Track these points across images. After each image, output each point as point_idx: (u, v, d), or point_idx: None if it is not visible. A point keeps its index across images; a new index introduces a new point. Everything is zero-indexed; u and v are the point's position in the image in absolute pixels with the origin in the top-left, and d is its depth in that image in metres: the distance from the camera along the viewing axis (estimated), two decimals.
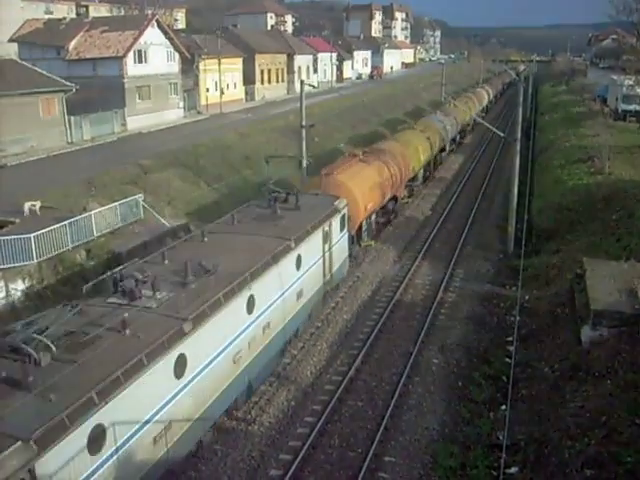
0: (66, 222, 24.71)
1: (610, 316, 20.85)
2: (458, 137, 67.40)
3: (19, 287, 22.47)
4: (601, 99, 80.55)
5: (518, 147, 35.13)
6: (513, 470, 16.70)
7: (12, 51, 61.14)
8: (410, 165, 41.06)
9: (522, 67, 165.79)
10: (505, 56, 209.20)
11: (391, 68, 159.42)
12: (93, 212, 26.52)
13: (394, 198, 38.76)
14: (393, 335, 25.29)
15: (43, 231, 23.49)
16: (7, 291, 22.03)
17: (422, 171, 47.95)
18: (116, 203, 28.26)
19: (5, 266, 22.12)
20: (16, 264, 22.48)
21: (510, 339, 24.25)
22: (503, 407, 19.76)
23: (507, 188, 39.25)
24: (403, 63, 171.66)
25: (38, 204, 27.69)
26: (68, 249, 24.74)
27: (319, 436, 18.74)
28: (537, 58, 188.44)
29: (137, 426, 13.83)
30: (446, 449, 18.18)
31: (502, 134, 38.75)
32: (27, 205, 27.56)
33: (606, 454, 15.17)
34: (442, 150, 56.89)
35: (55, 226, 24.18)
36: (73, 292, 23.66)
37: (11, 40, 62.77)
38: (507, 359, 22.73)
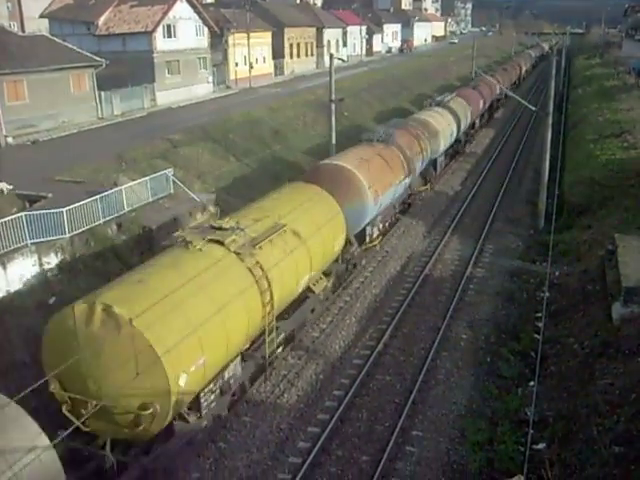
0: (97, 197, 24.90)
1: None
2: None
3: (52, 261, 22.77)
4: (636, 72, 78.87)
5: (550, 121, 34.62)
6: (540, 446, 16.71)
7: (43, 27, 61.59)
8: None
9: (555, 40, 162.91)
10: (538, 29, 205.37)
11: (426, 40, 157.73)
12: (124, 187, 26.67)
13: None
14: (422, 310, 25.30)
15: (75, 206, 23.72)
16: (40, 265, 22.36)
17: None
18: (146, 178, 28.37)
19: (38, 240, 22.42)
20: (49, 238, 22.78)
21: (539, 315, 24.12)
22: (531, 383, 19.73)
23: (538, 163, 38.77)
24: (434, 36, 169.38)
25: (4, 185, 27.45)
26: (100, 223, 24.96)
27: (347, 410, 18.90)
28: (571, 30, 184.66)
29: None
30: (474, 424, 18.24)
31: (534, 108, 38.18)
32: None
33: (635, 432, 15.11)
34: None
35: (87, 201, 24.38)
36: (105, 266, 23.99)
37: (42, 16, 63.12)
38: (536, 335, 22.63)
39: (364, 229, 27.64)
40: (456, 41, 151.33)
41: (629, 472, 14.01)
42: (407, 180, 32.23)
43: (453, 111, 46.55)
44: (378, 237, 30.09)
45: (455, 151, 49.92)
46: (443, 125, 42.25)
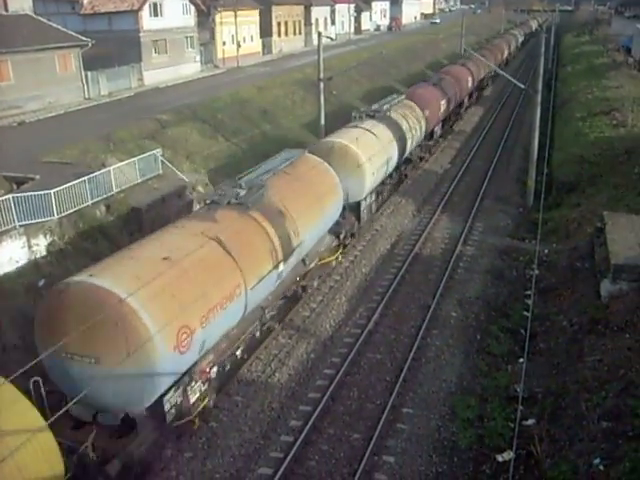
0: (85, 178, 24.77)
1: (630, 270, 20.80)
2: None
3: (41, 243, 22.68)
4: (625, 49, 78.83)
5: (539, 99, 34.57)
6: (530, 422, 16.88)
7: (27, 6, 60.42)
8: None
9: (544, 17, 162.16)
10: (527, 5, 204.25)
11: (416, 18, 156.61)
12: (112, 167, 26.53)
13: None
14: (412, 288, 25.39)
15: (63, 187, 23.59)
16: (29, 247, 22.27)
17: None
18: (135, 158, 28.20)
19: (26, 222, 22.31)
20: (37, 220, 22.67)
21: (529, 293, 24.25)
22: (521, 360, 19.87)
23: (527, 141, 38.79)
24: (422, 14, 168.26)
25: None
26: (88, 205, 24.85)
27: (338, 388, 19.00)
28: (560, 7, 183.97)
29: None
30: (464, 401, 18.39)
31: (523, 86, 38.13)
32: None
33: (623, 407, 15.29)
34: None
35: (75, 182, 24.23)
36: (94, 247, 23.92)
37: None
38: (525, 312, 22.77)
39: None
40: (438, 21, 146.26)
41: (617, 447, 14.19)
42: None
43: (395, 124, 33.78)
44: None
45: (399, 179, 37.57)
46: (373, 150, 29.13)
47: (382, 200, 34.11)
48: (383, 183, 32.80)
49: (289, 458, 15.93)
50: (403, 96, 39.28)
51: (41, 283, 21.09)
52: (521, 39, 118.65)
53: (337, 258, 26.71)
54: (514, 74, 74.05)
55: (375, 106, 34.56)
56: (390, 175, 33.87)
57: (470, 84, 58.18)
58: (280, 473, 15.41)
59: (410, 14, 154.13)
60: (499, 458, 15.99)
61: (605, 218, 24.86)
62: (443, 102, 45.34)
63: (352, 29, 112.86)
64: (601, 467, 13.86)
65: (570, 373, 18.18)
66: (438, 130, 46.73)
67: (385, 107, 34.39)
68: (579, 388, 17.07)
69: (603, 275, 21.59)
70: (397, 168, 35.05)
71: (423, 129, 39.21)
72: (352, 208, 28.18)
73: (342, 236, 26.77)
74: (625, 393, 15.72)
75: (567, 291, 23.50)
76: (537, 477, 14.94)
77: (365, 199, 29.27)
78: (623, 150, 36.51)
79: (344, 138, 28.15)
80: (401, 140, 33.72)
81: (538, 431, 16.21)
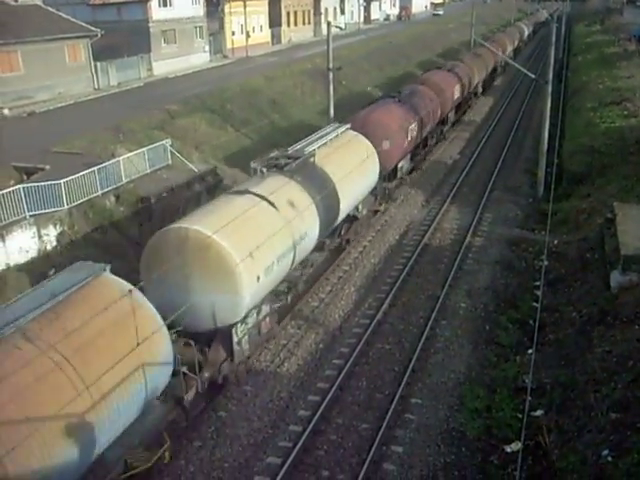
0: (95, 168, 24.86)
1: None
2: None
3: (51, 233, 22.81)
4: (637, 39, 78.11)
5: (549, 89, 34.37)
6: (538, 413, 16.87)
7: None
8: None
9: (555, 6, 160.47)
10: None
11: (426, 7, 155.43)
12: (121, 158, 26.61)
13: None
14: (421, 279, 25.38)
15: (73, 177, 23.69)
16: (40, 237, 22.39)
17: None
18: (144, 149, 28.27)
19: (37, 212, 22.43)
20: (47, 210, 22.78)
21: (538, 283, 24.18)
22: (529, 351, 19.84)
23: (537, 131, 38.60)
24: (432, 3, 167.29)
25: None
26: (98, 195, 24.96)
27: (347, 378, 19.04)
28: None
29: None
30: (472, 391, 18.39)
31: (533, 76, 37.89)
32: None
33: (632, 398, 15.24)
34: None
35: (84, 172, 24.33)
36: (103, 237, 24.02)
37: None
38: (534, 303, 22.70)
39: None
40: (441, 12, 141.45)
41: (626, 438, 14.17)
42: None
43: (319, 177, 22.67)
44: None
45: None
46: (263, 235, 18.23)
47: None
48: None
49: (298, 448, 15.98)
50: (347, 126, 27.63)
51: (51, 273, 21.21)
52: (532, 28, 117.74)
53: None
54: (524, 63, 73.61)
55: (291, 151, 23.15)
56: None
57: (457, 95, 46.40)
58: (289, 462, 15.47)
59: (420, 3, 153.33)
60: (507, 449, 16.00)
61: (615, 209, 24.74)
62: (413, 126, 33.60)
63: (361, 19, 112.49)
64: (610, 458, 13.85)
65: (579, 364, 18.14)
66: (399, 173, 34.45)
67: (311, 148, 23.30)
68: (588, 379, 17.04)
69: (613, 266, 21.50)
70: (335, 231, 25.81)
71: (375, 175, 28.05)
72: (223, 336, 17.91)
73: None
74: (634, 384, 15.67)
75: (576, 282, 23.42)
76: (545, 468, 14.95)
77: (245, 320, 18.22)
78: (634, 140, 36.24)
79: (206, 222, 17.20)
80: (327, 201, 22.24)
81: (546, 422, 16.20)
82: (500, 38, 78.38)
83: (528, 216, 32.26)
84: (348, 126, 27.61)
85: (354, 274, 25.89)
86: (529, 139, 47.45)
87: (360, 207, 27.49)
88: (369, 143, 27.67)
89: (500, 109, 58.95)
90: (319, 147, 23.75)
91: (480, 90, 60.86)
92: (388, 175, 31.87)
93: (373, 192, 29.09)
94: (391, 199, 33.51)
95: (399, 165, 33.41)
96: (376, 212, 31.07)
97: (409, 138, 33.01)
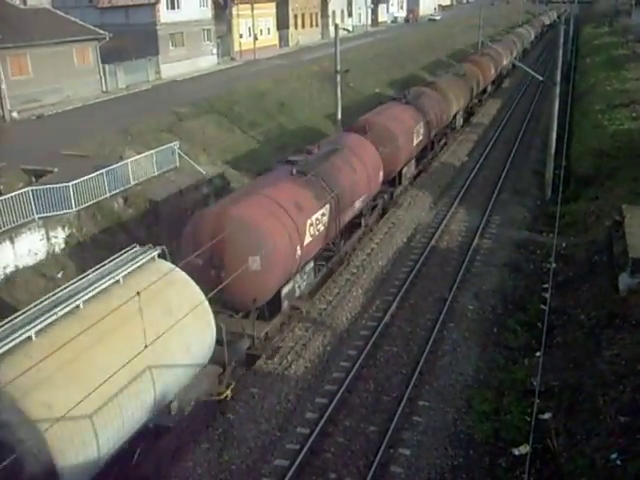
0: (103, 170, 24.95)
1: None
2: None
3: (59, 235, 22.89)
4: None
5: (557, 91, 34.29)
6: (546, 416, 16.82)
7: (45, 0, 60.94)
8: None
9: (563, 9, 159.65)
10: None
11: (435, 10, 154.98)
12: (129, 160, 26.69)
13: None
14: (428, 281, 25.34)
15: (81, 180, 23.78)
16: (48, 239, 22.48)
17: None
18: (152, 151, 28.35)
19: (45, 215, 22.52)
20: (56, 213, 22.87)
21: (546, 286, 24.14)
22: (538, 354, 19.80)
23: (545, 133, 38.51)
24: (440, 5, 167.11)
25: None
26: (106, 197, 25.04)
27: (354, 380, 19.03)
28: None
29: None
30: (480, 394, 18.35)
31: (541, 77, 37.81)
32: None
33: None
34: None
35: (93, 175, 24.43)
36: (112, 239, 24.08)
37: None
38: (542, 306, 22.66)
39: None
40: (438, 18, 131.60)
41: (635, 442, 14.11)
42: None
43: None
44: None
45: None
46: None
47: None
48: None
49: (305, 450, 15.98)
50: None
51: (60, 275, 21.29)
52: (539, 30, 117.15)
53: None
54: (532, 65, 73.44)
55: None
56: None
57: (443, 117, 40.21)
58: (296, 465, 15.48)
59: (427, 6, 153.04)
60: (515, 452, 15.96)
61: (624, 211, 24.66)
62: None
63: (369, 21, 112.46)
64: (618, 462, 13.79)
65: (587, 367, 18.08)
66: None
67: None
68: (596, 382, 16.99)
69: (621, 269, 21.42)
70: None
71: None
72: None
73: None
74: None
75: (585, 285, 23.34)
76: (553, 471, 14.90)
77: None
78: None
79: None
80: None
81: (555, 425, 16.16)
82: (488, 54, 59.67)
83: (536, 218, 32.20)
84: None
85: (362, 276, 25.87)
86: (537, 141, 47.31)
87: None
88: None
89: (508, 111, 58.80)
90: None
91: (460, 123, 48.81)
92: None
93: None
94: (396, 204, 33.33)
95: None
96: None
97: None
